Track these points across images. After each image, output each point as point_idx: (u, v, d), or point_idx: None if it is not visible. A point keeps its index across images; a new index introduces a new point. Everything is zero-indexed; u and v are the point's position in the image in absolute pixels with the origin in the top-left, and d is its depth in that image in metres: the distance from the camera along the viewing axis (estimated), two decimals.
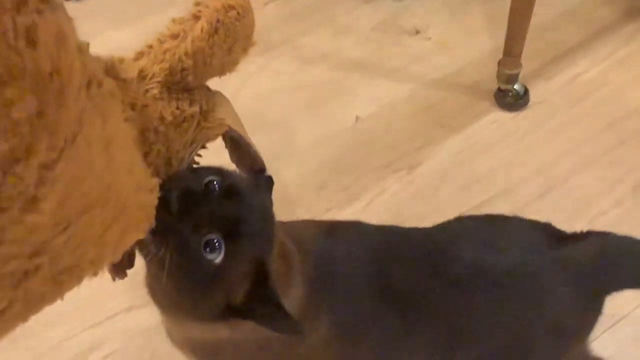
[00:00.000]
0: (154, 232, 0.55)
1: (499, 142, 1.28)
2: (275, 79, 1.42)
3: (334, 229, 0.73)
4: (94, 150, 0.47)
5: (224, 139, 0.64)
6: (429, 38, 1.50)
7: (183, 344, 0.69)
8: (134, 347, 1.02)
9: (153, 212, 0.55)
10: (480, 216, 0.85)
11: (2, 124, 0.39)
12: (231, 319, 0.59)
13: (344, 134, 1.31)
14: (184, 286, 0.57)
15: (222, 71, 0.62)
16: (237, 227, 0.57)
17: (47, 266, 0.45)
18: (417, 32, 1.51)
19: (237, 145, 0.64)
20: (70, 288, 0.50)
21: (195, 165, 0.62)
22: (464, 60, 1.45)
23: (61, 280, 0.47)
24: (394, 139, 1.29)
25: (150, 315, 0.67)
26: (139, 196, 0.54)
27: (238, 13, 0.60)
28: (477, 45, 1.48)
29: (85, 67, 0.46)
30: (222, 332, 0.63)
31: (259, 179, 0.63)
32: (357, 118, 1.33)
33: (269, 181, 0.65)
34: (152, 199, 0.55)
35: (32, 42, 0.40)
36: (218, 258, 0.56)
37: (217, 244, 0.56)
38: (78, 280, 0.50)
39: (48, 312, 0.49)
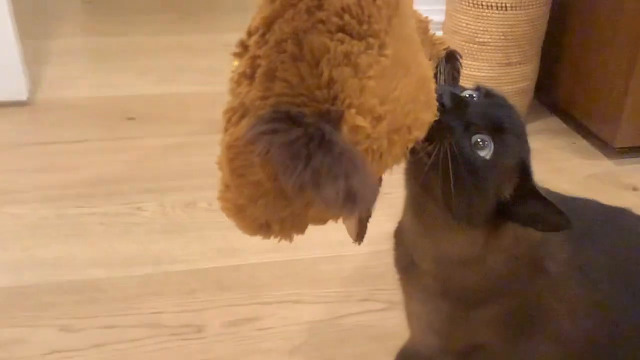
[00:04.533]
0: (427, 136, 0.60)
1: None
2: None
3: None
4: (404, 20, 0.55)
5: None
6: None
7: (429, 260, 0.72)
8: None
9: (435, 97, 0.60)
10: None
11: None
12: (496, 223, 0.64)
13: None
14: (460, 182, 0.61)
15: None
16: (500, 125, 0.63)
17: (389, 117, 0.52)
18: (634, 189, 1.55)
19: (452, 61, 0.71)
20: (393, 156, 0.55)
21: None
22: None
23: (393, 141, 0.53)
24: None
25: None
26: (430, 77, 0.60)
27: None
28: None
29: None
30: (477, 243, 0.67)
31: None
32: None
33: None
34: (434, 87, 0.61)
35: None
36: (488, 154, 0.61)
37: (486, 142, 0.61)
38: (399, 147, 0.55)
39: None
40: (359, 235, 0.74)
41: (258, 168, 0.49)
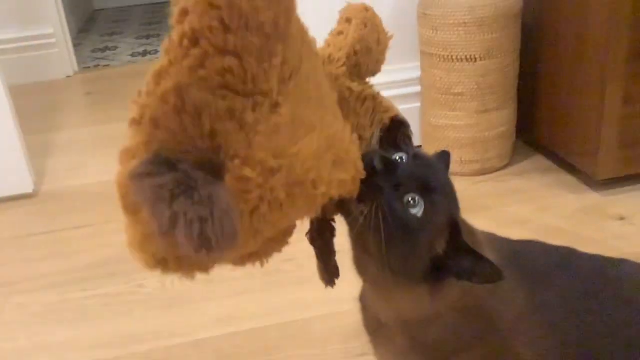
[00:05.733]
0: (360, 197, 0.65)
1: None
2: None
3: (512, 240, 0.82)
4: (310, 84, 0.60)
5: (390, 123, 0.76)
6: (633, 224, 1.55)
7: (392, 320, 0.76)
8: None
9: (357, 162, 0.64)
10: None
11: (254, 22, 0.54)
12: (435, 279, 0.68)
13: None
14: (394, 239, 0.65)
15: (377, 62, 0.77)
16: (429, 185, 0.67)
17: (285, 171, 0.55)
18: (622, 218, 1.57)
19: (399, 127, 0.76)
20: (297, 209, 0.58)
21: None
22: None
23: (293, 194, 0.57)
24: None
25: None
26: (344, 139, 0.64)
27: (370, 10, 0.76)
28: None
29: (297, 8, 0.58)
30: (425, 300, 0.70)
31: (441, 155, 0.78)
32: None
33: (447, 155, 0.78)
34: (355, 150, 0.65)
35: None
36: (419, 212, 0.66)
37: (417, 200, 0.66)
38: (302, 200, 0.58)
39: None
40: (324, 279, 0.78)
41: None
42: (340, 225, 0.73)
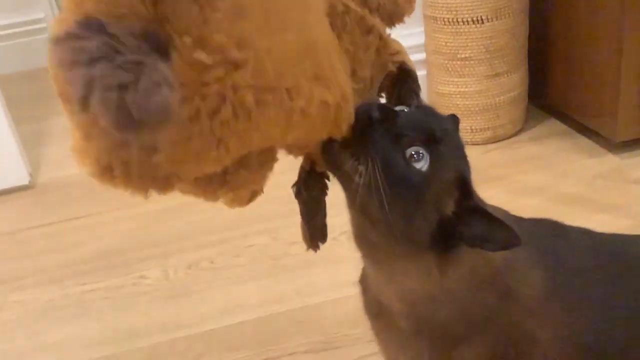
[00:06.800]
0: (354, 151, 0.57)
1: None
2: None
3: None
4: None
5: (397, 71, 0.67)
6: None
7: (394, 300, 0.68)
8: None
9: (344, 87, 0.55)
10: None
11: None
12: (443, 248, 0.60)
13: None
14: (396, 199, 0.57)
15: (395, 3, 0.65)
16: (434, 136, 0.59)
17: (252, 68, 0.46)
18: None
19: (405, 79, 0.67)
20: (268, 121, 0.49)
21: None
22: None
23: (264, 101, 0.48)
24: None
25: None
26: (330, 51, 0.54)
27: None
28: None
29: None
30: (431, 273, 0.63)
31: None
32: None
33: (456, 120, 0.68)
34: (343, 72, 0.56)
35: None
36: (424, 166, 0.58)
37: (421, 154, 0.58)
38: (275, 111, 0.49)
39: None
40: (305, 240, 0.69)
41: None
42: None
